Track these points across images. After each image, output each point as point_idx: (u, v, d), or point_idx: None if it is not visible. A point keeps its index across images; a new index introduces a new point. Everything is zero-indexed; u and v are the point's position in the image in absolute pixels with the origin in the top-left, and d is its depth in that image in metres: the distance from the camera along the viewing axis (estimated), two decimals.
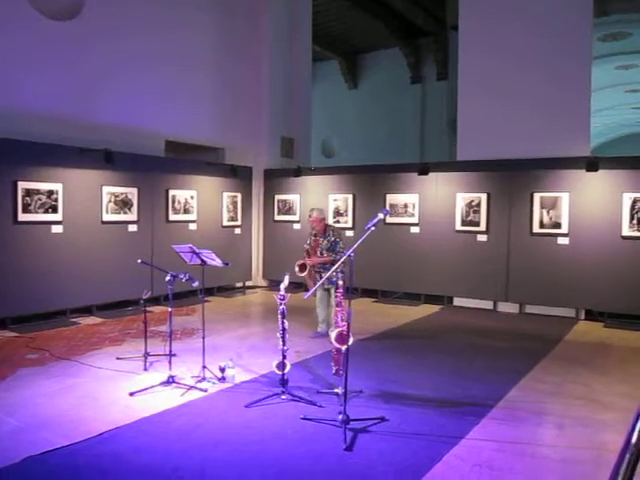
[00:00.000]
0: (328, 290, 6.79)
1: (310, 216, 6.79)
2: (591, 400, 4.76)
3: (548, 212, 8.38)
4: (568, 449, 3.76)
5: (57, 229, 7.59)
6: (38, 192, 7.34)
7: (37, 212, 7.34)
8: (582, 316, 8.34)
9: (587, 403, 4.68)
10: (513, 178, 8.69)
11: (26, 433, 3.90)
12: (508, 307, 8.88)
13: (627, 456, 1.44)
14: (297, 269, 6.49)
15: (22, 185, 7.15)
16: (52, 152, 7.51)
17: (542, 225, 8.43)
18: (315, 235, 6.78)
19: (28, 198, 7.23)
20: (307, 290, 6.40)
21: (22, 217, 7.17)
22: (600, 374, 5.52)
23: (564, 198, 8.26)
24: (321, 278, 6.49)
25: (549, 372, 5.58)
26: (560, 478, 3.38)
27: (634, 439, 1.46)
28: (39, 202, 7.35)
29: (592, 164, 8.06)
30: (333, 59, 18.09)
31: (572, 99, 8.56)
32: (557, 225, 8.31)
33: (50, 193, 7.47)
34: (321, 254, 6.66)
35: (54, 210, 7.52)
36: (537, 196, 8.46)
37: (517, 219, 8.64)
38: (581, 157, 8.23)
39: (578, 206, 8.19)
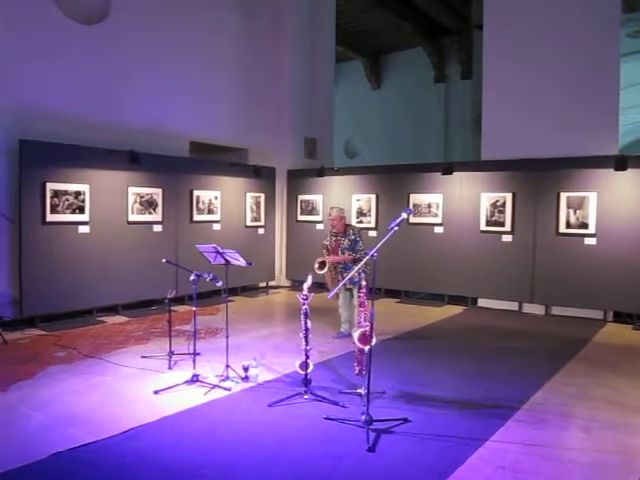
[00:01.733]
0: (350, 290, 6.79)
1: (330, 214, 6.81)
2: (619, 404, 4.67)
3: (575, 212, 8.24)
4: (595, 453, 3.70)
5: (84, 229, 7.72)
6: (66, 193, 7.47)
7: (65, 213, 7.47)
8: (610, 318, 8.18)
9: (615, 406, 4.59)
10: (539, 177, 8.57)
11: (54, 429, 3.98)
12: (534, 308, 8.76)
13: None
14: (317, 266, 6.50)
15: (50, 186, 7.29)
16: (79, 154, 7.64)
17: (569, 225, 8.30)
18: (336, 234, 6.78)
19: (56, 199, 7.36)
20: (329, 290, 6.43)
21: (50, 217, 7.31)
22: (628, 377, 5.41)
23: (591, 198, 8.11)
24: (343, 278, 6.50)
25: (575, 375, 5.49)
26: None
27: None
28: (66, 203, 7.48)
29: (620, 163, 7.90)
30: (356, 59, 18.06)
31: (600, 97, 8.40)
32: (584, 225, 8.17)
33: (77, 194, 7.60)
34: (342, 254, 6.66)
35: (81, 211, 7.65)
36: (564, 196, 8.32)
37: (543, 219, 8.52)
38: (609, 156, 8.07)
39: (606, 206, 8.03)
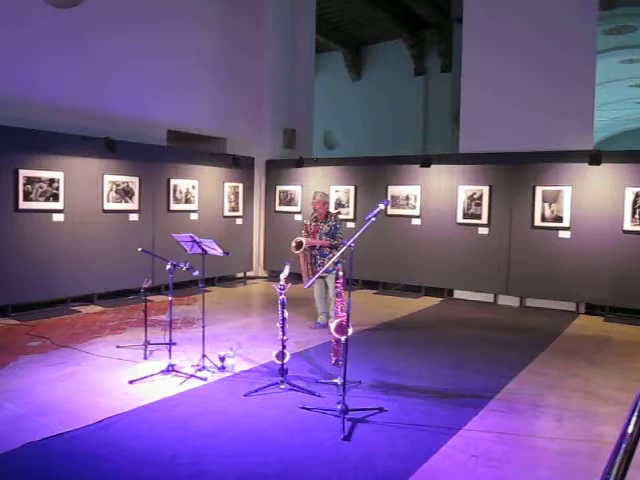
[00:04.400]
0: (324, 279, 6.78)
1: (314, 198, 6.82)
2: (590, 393, 4.77)
3: (550, 205, 8.36)
4: (566, 441, 3.78)
5: (58, 217, 7.59)
6: (39, 180, 7.33)
7: (38, 200, 7.34)
8: (582, 310, 8.34)
9: (586, 396, 4.69)
10: (515, 171, 8.66)
11: (26, 419, 3.92)
12: (508, 300, 8.88)
13: (623, 446, 1.45)
14: (293, 245, 6.47)
15: (23, 173, 7.15)
16: (53, 140, 7.50)
17: (544, 219, 8.41)
18: (317, 219, 6.79)
19: (29, 186, 7.22)
20: (304, 279, 6.46)
21: (23, 205, 7.17)
22: (599, 368, 5.52)
23: (566, 192, 8.24)
24: (317, 263, 6.53)
25: (548, 365, 5.58)
26: (557, 469, 3.40)
27: (630, 429, 1.47)
28: (40, 190, 7.35)
29: (595, 158, 8.03)
30: (336, 50, 17.99)
31: (576, 93, 8.52)
32: (559, 219, 8.30)
33: (51, 181, 7.46)
34: (320, 239, 6.66)
35: (55, 198, 7.52)
36: (539, 189, 8.43)
37: (519, 212, 8.63)
38: (584, 151, 8.19)
39: (580, 200, 8.16)
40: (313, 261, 6.68)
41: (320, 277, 6.73)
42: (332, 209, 10.20)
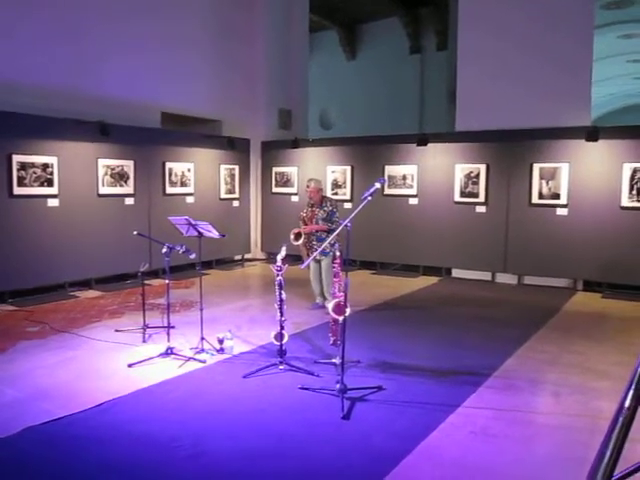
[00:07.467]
0: (319, 262, 6.77)
1: (308, 186, 6.79)
2: (587, 369, 4.79)
3: (547, 183, 8.33)
4: (564, 416, 3.80)
5: (53, 202, 7.54)
6: (33, 165, 7.27)
7: (32, 185, 7.27)
8: (580, 287, 8.36)
9: (583, 372, 4.71)
10: (512, 149, 8.61)
11: (26, 404, 3.93)
12: (506, 278, 8.89)
13: (620, 419, 1.45)
14: (292, 237, 6.49)
15: (16, 158, 7.08)
16: (47, 124, 7.41)
17: (541, 196, 8.39)
18: (312, 206, 6.77)
19: (23, 171, 7.16)
20: (302, 261, 6.43)
21: (17, 191, 7.11)
22: (597, 344, 5.55)
23: (563, 169, 8.20)
24: (314, 248, 6.51)
25: (546, 342, 5.61)
26: (555, 444, 3.42)
27: (627, 403, 1.47)
28: (34, 175, 7.29)
29: (592, 134, 7.98)
30: (331, 29, 17.78)
31: (573, 69, 8.43)
32: (556, 196, 8.27)
33: (45, 166, 7.40)
34: (317, 224, 6.65)
35: (49, 183, 7.46)
36: (536, 167, 8.39)
37: (516, 190, 8.59)
38: (581, 127, 8.14)
39: (577, 177, 8.13)
40: (310, 245, 6.68)
41: (316, 259, 6.73)
42: (329, 189, 10.17)
